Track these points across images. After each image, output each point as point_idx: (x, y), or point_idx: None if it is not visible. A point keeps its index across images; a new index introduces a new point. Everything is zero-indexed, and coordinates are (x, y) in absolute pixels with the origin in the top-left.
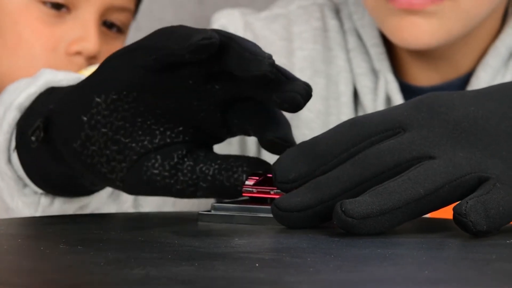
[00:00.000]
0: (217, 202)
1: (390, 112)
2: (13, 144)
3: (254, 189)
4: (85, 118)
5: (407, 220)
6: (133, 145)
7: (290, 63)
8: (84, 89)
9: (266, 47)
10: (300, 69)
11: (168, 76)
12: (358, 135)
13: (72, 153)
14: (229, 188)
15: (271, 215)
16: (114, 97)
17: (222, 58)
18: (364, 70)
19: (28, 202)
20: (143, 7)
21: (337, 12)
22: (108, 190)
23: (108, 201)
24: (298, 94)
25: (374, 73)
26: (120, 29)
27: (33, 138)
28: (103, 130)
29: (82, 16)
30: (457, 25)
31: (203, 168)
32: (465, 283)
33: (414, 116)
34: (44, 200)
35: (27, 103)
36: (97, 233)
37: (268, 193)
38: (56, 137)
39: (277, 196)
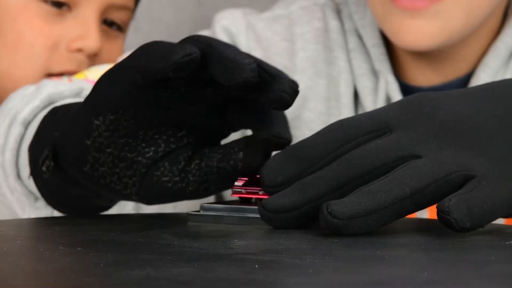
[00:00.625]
0: (206, 203)
1: (377, 113)
2: (21, 159)
3: (243, 190)
4: (88, 142)
5: (393, 219)
6: (140, 158)
7: (292, 64)
8: (82, 113)
9: (269, 48)
10: (302, 70)
11: (159, 90)
12: (344, 137)
13: (84, 176)
14: (232, 173)
15: (259, 216)
16: (112, 117)
17: (206, 66)
18: (364, 70)
19: (41, 214)
20: (142, 8)
21: (338, 12)
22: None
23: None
24: (285, 93)
25: (375, 73)
26: (120, 28)
27: (43, 169)
28: (108, 150)
29: (83, 14)
30: (460, 23)
31: (208, 162)
32: (464, 284)
33: (401, 117)
34: (57, 213)
35: (30, 117)
36: (96, 234)
37: (257, 193)
38: (66, 164)
39: (265, 197)
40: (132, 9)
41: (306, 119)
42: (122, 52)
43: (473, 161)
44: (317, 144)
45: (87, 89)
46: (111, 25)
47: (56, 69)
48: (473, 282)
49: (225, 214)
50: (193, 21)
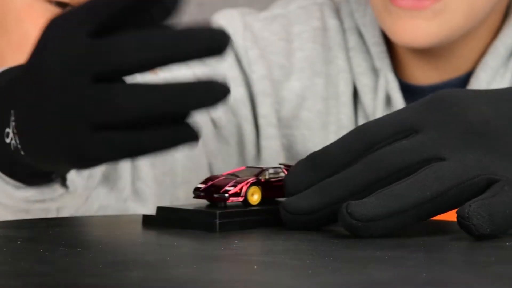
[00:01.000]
0: (163, 205)
1: (401, 114)
2: None
3: (202, 193)
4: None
5: (413, 222)
6: None
7: (289, 63)
8: None
9: (266, 48)
10: (299, 69)
11: None
12: (366, 142)
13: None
14: None
15: (209, 220)
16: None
17: None
18: (364, 69)
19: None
20: None
21: (337, 11)
22: (99, 174)
23: (105, 190)
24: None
25: (374, 72)
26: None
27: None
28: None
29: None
30: (460, 20)
31: None
32: (464, 285)
33: (426, 117)
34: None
35: None
36: (96, 235)
37: (212, 196)
38: None
39: (220, 199)
40: None
41: (304, 119)
42: None
43: (497, 165)
44: (339, 151)
45: None
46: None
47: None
48: (473, 283)
49: (178, 216)
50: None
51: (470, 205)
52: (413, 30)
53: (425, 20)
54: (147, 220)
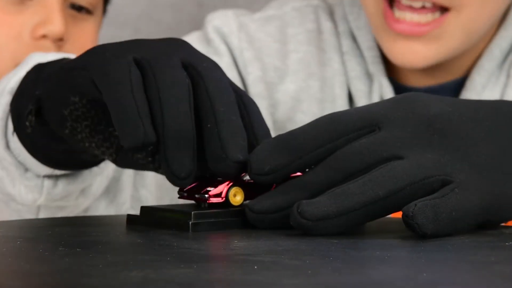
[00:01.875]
0: (147, 205)
1: (368, 109)
2: (10, 129)
3: (185, 193)
4: (66, 112)
5: (365, 221)
6: (116, 133)
7: (284, 65)
8: (61, 86)
9: (261, 50)
10: (294, 72)
11: None
12: (335, 131)
13: (65, 137)
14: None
15: (183, 220)
16: (88, 99)
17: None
18: (358, 73)
19: (31, 185)
20: (141, 9)
21: (331, 14)
22: (104, 182)
23: (105, 202)
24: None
25: (368, 76)
26: (89, 11)
27: (27, 123)
28: (85, 122)
29: (45, 1)
30: (457, 42)
31: None
32: (463, 286)
33: (391, 115)
34: (48, 182)
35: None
36: (95, 235)
37: (194, 196)
38: (49, 122)
39: (200, 200)
40: None
41: (299, 121)
42: (95, 35)
43: (454, 166)
44: (307, 137)
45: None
46: (80, 9)
47: (22, 58)
48: (472, 283)
49: (156, 216)
50: (192, 22)
51: (415, 204)
52: (411, 54)
53: (423, 45)
54: (131, 220)
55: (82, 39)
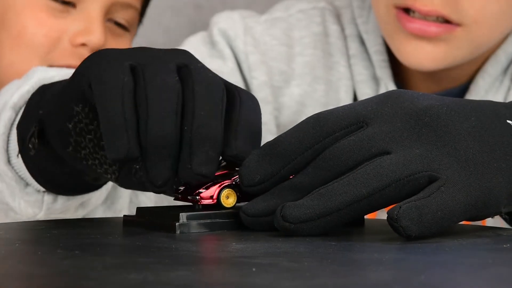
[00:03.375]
0: (143, 206)
1: (355, 107)
2: (12, 144)
3: (180, 195)
4: (70, 126)
5: (349, 220)
6: None
7: (289, 68)
8: (64, 96)
9: (266, 53)
10: (300, 75)
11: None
12: (321, 132)
13: (68, 157)
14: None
15: (171, 221)
16: (90, 107)
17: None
18: (365, 77)
19: (31, 201)
20: None
21: (338, 17)
22: (103, 194)
23: (102, 209)
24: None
25: (375, 80)
26: (125, 27)
27: (30, 146)
28: (89, 136)
29: (87, 11)
30: (465, 53)
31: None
32: (461, 287)
33: (378, 111)
34: (48, 197)
35: (21, 102)
36: (94, 238)
37: (187, 198)
38: (51, 142)
39: (193, 201)
40: (138, 9)
41: None
42: None
43: (442, 162)
44: (294, 141)
45: None
46: (117, 25)
47: (59, 62)
48: (470, 285)
49: (148, 218)
50: (191, 25)
51: (400, 207)
52: (421, 54)
53: (433, 46)
54: (126, 221)
55: None
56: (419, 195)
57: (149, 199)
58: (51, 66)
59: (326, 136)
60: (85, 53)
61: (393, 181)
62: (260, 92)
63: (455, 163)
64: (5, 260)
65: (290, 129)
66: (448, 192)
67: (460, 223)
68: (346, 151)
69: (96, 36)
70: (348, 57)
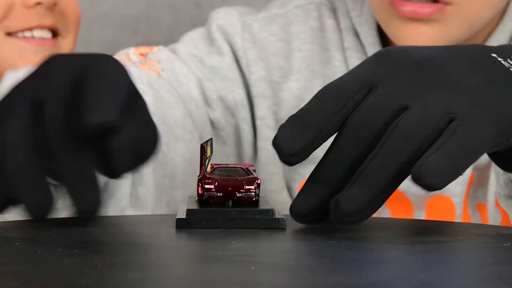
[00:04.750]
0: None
1: (357, 72)
2: None
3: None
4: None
5: (397, 187)
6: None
7: (288, 64)
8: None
9: (265, 49)
10: (298, 70)
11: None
12: (340, 99)
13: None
14: None
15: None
16: None
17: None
18: None
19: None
20: (140, 10)
21: (333, 10)
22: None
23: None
24: None
25: None
26: None
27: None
28: None
29: None
30: (459, 31)
31: None
32: (460, 286)
33: (381, 70)
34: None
35: None
36: (94, 236)
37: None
38: None
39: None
40: None
41: None
42: None
43: (454, 101)
44: (319, 110)
45: None
46: None
47: (17, 27)
48: (470, 284)
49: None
50: (191, 23)
51: (421, 165)
52: (416, 35)
53: (427, 26)
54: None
55: (71, 2)
56: (437, 143)
57: (149, 191)
58: (8, 31)
59: (347, 101)
60: (41, 11)
61: (424, 138)
62: (258, 87)
63: (466, 100)
64: (5, 258)
65: (309, 101)
66: (465, 130)
67: (459, 223)
68: (370, 116)
69: None
70: (343, 50)
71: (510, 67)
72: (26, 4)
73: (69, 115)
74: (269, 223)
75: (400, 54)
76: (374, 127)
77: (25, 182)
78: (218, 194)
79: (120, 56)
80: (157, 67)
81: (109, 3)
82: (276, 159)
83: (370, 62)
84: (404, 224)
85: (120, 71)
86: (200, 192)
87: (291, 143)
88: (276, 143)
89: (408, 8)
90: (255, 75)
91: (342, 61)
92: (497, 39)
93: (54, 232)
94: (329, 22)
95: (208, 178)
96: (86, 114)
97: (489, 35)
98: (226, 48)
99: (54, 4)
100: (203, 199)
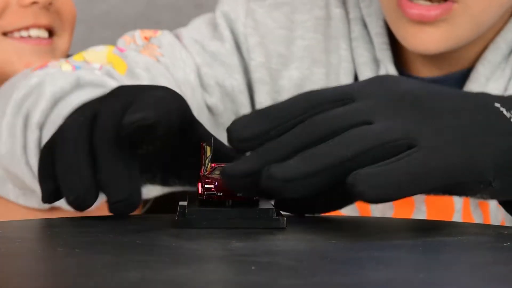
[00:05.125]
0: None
1: (343, 86)
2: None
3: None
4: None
5: (332, 183)
6: None
7: (289, 52)
8: None
9: (266, 36)
10: (299, 58)
11: None
12: (310, 103)
13: None
14: None
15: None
16: None
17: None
18: (366, 59)
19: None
20: (140, 10)
21: (343, 1)
22: None
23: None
24: None
25: (376, 62)
26: None
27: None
28: None
29: None
30: (467, 30)
31: None
32: (460, 286)
33: (364, 90)
34: None
35: (42, 119)
36: (94, 236)
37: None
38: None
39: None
40: None
41: None
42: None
43: (422, 131)
44: (284, 108)
45: (83, 76)
46: None
47: (12, 26)
48: (470, 284)
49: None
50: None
51: (357, 172)
52: (424, 37)
53: (435, 28)
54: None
55: (67, 1)
56: (387, 161)
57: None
58: (4, 31)
59: (314, 108)
60: (37, 10)
61: (375, 145)
62: (257, 73)
63: (435, 133)
64: (5, 258)
65: (283, 100)
66: (419, 157)
67: (459, 222)
68: (331, 119)
69: None
70: (350, 40)
71: (511, 118)
72: (21, 3)
73: (117, 124)
74: (269, 222)
75: (391, 83)
76: (331, 127)
77: (73, 173)
78: (218, 194)
79: (126, 38)
80: (157, 52)
81: (109, 3)
82: None
83: (360, 83)
84: (404, 223)
85: (173, 96)
86: (200, 192)
87: (241, 129)
88: (228, 128)
89: (415, 11)
90: (255, 61)
91: (348, 50)
92: (505, 39)
93: (54, 232)
94: (337, 11)
95: (208, 178)
96: (127, 115)
97: (497, 34)
98: (227, 34)
99: (50, 4)
100: (203, 199)
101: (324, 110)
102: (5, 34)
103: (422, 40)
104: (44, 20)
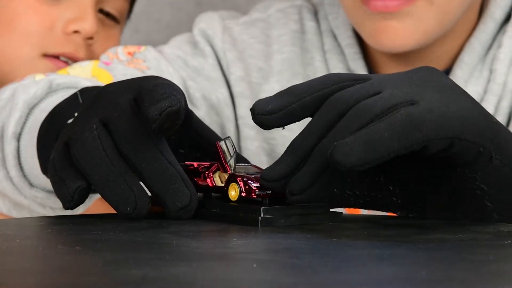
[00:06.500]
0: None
1: (362, 73)
2: (25, 169)
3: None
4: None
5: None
6: None
7: (267, 66)
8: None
9: (244, 51)
10: (278, 72)
11: None
12: (330, 81)
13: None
14: None
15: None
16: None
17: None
18: (340, 70)
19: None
20: (141, 8)
21: (315, 13)
22: None
23: None
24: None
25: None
26: (115, 19)
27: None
28: None
29: (78, 0)
30: (433, 23)
31: None
32: (462, 284)
33: (383, 77)
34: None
35: (18, 129)
36: (95, 233)
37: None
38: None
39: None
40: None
41: None
42: (118, 42)
43: (420, 94)
44: (305, 85)
45: (55, 79)
46: (107, 16)
47: (53, 50)
48: (471, 281)
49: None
50: (191, 21)
51: (335, 144)
52: (389, 32)
53: (398, 22)
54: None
55: (108, 43)
56: (372, 123)
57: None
58: (45, 53)
59: (335, 84)
60: (78, 40)
61: (373, 116)
62: (237, 87)
63: (437, 95)
64: (5, 256)
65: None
66: (407, 112)
67: (461, 221)
68: (348, 95)
69: (88, 23)
70: (323, 52)
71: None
72: (65, 30)
73: (132, 125)
74: (332, 218)
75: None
76: (346, 103)
77: (107, 179)
78: (267, 192)
79: (109, 54)
80: (143, 65)
81: (133, 12)
82: (260, 159)
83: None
84: (405, 221)
85: (170, 83)
86: (245, 190)
87: (264, 103)
88: (252, 107)
89: (378, 3)
90: (234, 75)
91: (322, 62)
92: (479, 39)
93: (55, 230)
94: (310, 24)
95: (251, 177)
96: (149, 109)
97: (470, 34)
98: (208, 50)
99: (91, 38)
100: (247, 198)
101: (343, 86)
102: (44, 55)
103: (388, 35)
104: (83, 54)
